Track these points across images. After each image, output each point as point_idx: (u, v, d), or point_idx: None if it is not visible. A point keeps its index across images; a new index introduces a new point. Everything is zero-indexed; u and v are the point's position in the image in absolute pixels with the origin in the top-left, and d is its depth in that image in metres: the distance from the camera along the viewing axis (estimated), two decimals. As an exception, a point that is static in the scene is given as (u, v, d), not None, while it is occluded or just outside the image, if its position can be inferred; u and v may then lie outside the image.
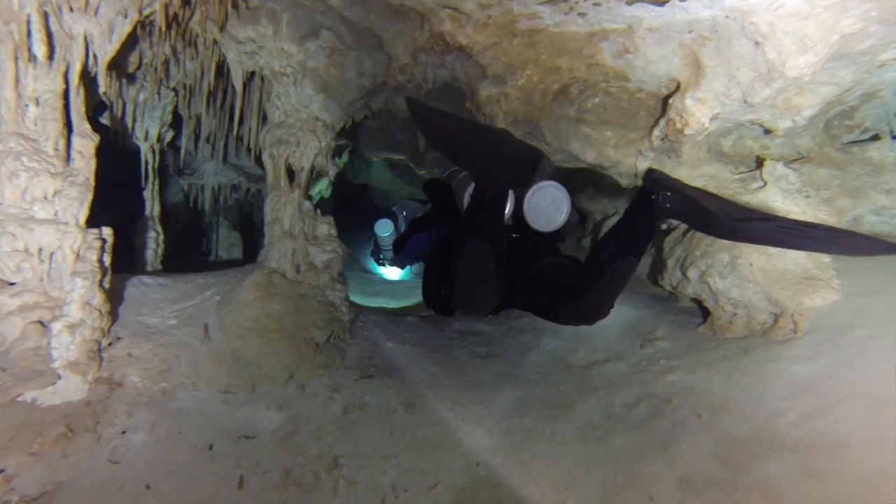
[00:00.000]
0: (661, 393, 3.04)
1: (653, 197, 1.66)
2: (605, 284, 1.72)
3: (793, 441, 2.37)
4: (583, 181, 4.75)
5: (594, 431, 3.00)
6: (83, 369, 2.73)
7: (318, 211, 4.43)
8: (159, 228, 5.13)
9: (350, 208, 10.53)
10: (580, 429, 3.05)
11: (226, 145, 5.44)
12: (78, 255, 2.84)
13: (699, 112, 2.77)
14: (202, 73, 4.14)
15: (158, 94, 4.34)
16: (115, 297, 3.38)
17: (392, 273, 9.70)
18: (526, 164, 1.72)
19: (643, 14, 2.68)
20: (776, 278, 2.99)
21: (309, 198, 4.43)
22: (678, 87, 2.91)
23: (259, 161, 4.84)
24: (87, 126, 2.95)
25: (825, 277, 2.91)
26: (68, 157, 2.87)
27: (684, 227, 3.63)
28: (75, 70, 2.81)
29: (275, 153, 4.09)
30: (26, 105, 2.67)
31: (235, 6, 3.52)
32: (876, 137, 3.23)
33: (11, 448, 2.34)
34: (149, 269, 5.04)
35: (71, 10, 2.74)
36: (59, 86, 2.75)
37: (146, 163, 4.80)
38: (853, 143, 3.31)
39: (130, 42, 3.44)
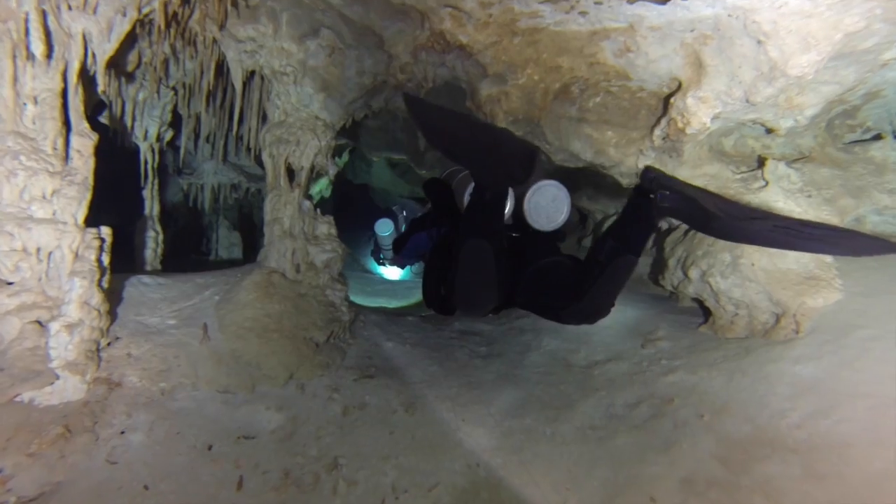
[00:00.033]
0: (662, 393, 3.03)
1: (651, 196, 1.65)
2: (605, 284, 1.71)
3: (795, 442, 2.36)
4: (583, 181, 4.73)
5: (595, 432, 2.99)
6: (81, 369, 2.71)
7: (318, 210, 4.42)
8: (159, 228, 5.11)
9: (350, 208, 10.52)
10: (581, 429, 3.04)
11: (225, 145, 5.43)
12: (76, 255, 2.82)
13: (701, 111, 2.76)
14: (202, 72, 4.13)
15: (158, 93, 4.33)
16: (113, 297, 3.37)
17: (392, 273, 9.69)
18: (523, 162, 1.70)
19: (645, 13, 2.66)
20: (778, 278, 2.97)
21: (309, 197, 4.42)
22: (680, 86, 2.90)
23: (259, 160, 4.83)
24: (86, 125, 2.94)
25: (827, 277, 2.89)
26: (67, 156, 2.85)
27: (685, 226, 3.61)
28: (74, 69, 2.79)
29: (274, 152, 4.08)
30: (24, 104, 2.66)
31: (235, 5, 3.51)
32: (878, 137, 3.22)
33: (9, 449, 2.32)
34: (148, 268, 5.03)
35: (69, 8, 2.72)
36: (58, 84, 2.73)
37: (145, 162, 4.78)
38: (855, 142, 3.30)
39: (129, 41, 3.44)
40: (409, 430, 3.24)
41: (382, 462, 2.94)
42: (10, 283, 2.72)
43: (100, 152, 3.02)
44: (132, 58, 3.77)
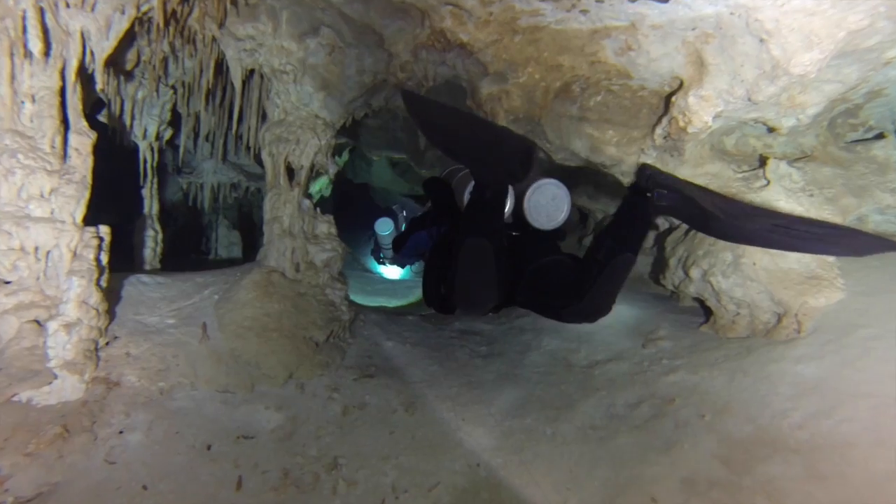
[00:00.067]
0: (663, 393, 3.02)
1: (648, 194, 1.63)
2: (605, 283, 1.71)
3: (797, 442, 2.35)
4: (584, 180, 4.72)
5: (596, 432, 2.97)
6: (80, 369, 2.70)
7: (318, 209, 4.40)
8: (158, 227, 5.10)
9: (350, 207, 10.51)
10: (582, 429, 3.03)
11: (225, 143, 5.41)
12: (75, 254, 2.81)
13: (702, 110, 2.74)
14: (201, 71, 4.11)
15: (157, 91, 4.31)
16: (112, 296, 3.35)
17: (392, 272, 9.68)
18: (522, 159, 1.69)
19: (646, 11, 2.65)
20: (780, 278, 2.96)
21: (309, 196, 4.40)
22: (681, 84, 2.88)
23: (258, 159, 4.82)
24: (84, 123, 2.92)
25: (829, 277, 2.88)
26: (65, 155, 2.84)
27: (686, 226, 3.60)
28: (72, 67, 2.78)
29: (274, 151, 4.06)
30: (22, 102, 2.64)
31: (234, 3, 3.50)
32: (880, 136, 3.20)
33: (6, 449, 2.31)
34: (147, 267, 5.01)
35: (67, 5, 2.71)
36: (56, 83, 2.72)
37: (145, 161, 4.76)
38: (857, 141, 3.28)
39: (128, 39, 3.41)
40: (409, 429, 3.23)
41: (382, 462, 2.93)
42: (7, 283, 2.71)
43: (99, 151, 3.01)
44: (131, 56, 3.75)
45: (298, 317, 3.79)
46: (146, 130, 4.61)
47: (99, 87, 3.15)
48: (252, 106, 4.43)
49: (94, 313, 2.84)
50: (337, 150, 6.95)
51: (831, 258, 2.95)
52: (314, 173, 4.42)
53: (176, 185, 6.55)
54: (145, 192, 4.96)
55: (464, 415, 3.37)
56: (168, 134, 4.80)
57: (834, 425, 2.33)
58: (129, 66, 3.84)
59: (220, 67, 4.14)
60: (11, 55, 2.54)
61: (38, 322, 2.71)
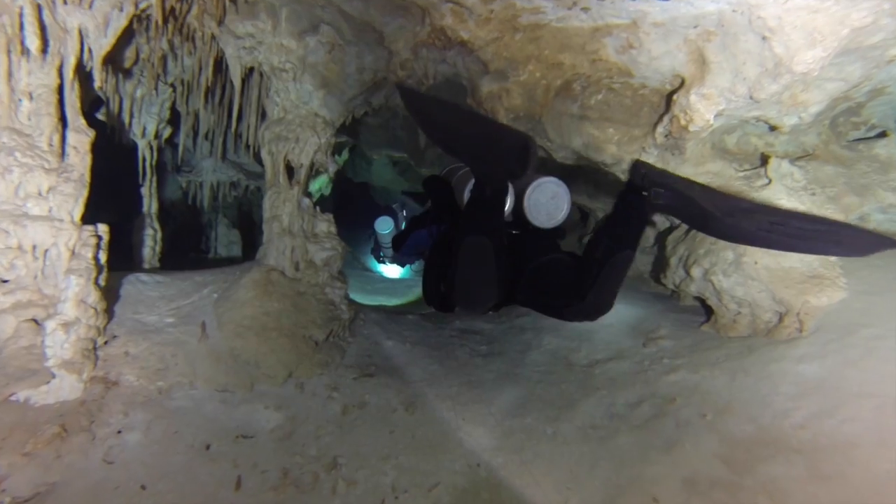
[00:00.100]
0: (664, 392, 3.00)
1: (644, 193, 1.61)
2: (605, 282, 1.71)
3: (799, 442, 2.33)
4: (584, 178, 4.70)
5: (596, 431, 2.96)
6: (78, 368, 2.69)
7: (318, 208, 4.39)
8: (157, 226, 5.08)
9: (350, 206, 10.49)
10: (582, 429, 3.02)
11: (224, 142, 5.40)
12: (73, 253, 2.79)
13: (704, 108, 2.73)
14: (200, 69, 4.10)
15: (156, 89, 4.30)
16: (111, 295, 3.34)
17: (392, 271, 9.67)
18: (519, 155, 1.67)
19: (648, 9, 2.63)
20: (781, 277, 2.95)
21: (308, 195, 4.38)
22: (682, 83, 2.87)
23: (258, 158, 4.80)
24: (83, 121, 2.91)
25: (831, 276, 2.87)
26: (63, 153, 2.83)
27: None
28: (70, 64, 2.76)
29: (274, 150, 4.04)
30: (19, 100, 2.63)
31: (234, 0, 3.48)
32: (883, 134, 3.19)
33: (4, 448, 2.30)
34: (146, 266, 5.00)
35: (65, 2, 2.69)
36: (54, 80, 2.70)
37: (144, 159, 4.75)
38: (860, 140, 3.27)
39: (126, 36, 3.39)
40: (409, 429, 3.22)
41: (382, 462, 2.91)
42: (5, 281, 2.69)
43: (97, 149, 2.99)
44: (129, 54, 3.73)
45: (298, 316, 3.78)
46: (145, 128, 4.59)
47: (97, 84, 3.14)
48: (251, 104, 4.42)
49: (93, 312, 2.83)
50: (337, 149, 6.93)
51: (833, 257, 2.94)
52: (314, 172, 4.40)
53: (175, 184, 6.54)
54: (144, 190, 4.95)
55: (464, 414, 3.35)
56: (167, 132, 4.79)
57: (836, 425, 2.31)
58: (127, 64, 3.83)
59: (220, 65, 4.13)
60: (9, 52, 2.53)
61: (35, 321, 2.70)
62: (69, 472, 2.36)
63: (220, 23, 3.57)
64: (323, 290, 4.17)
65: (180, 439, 2.75)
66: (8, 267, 2.66)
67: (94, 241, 2.87)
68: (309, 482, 2.71)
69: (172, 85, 4.39)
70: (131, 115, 4.35)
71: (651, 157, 3.26)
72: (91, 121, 3.07)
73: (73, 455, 2.43)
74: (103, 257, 2.98)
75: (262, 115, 4.40)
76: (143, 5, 3.04)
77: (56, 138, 2.76)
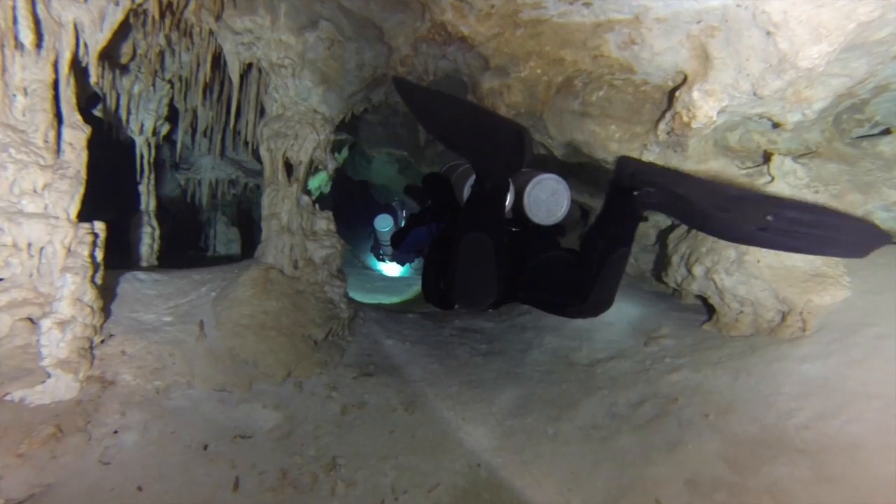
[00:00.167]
0: (666, 392, 2.98)
1: (635, 193, 1.58)
2: (605, 282, 1.70)
3: (803, 443, 2.31)
4: (585, 176, 4.67)
5: (598, 431, 2.94)
6: (74, 367, 2.66)
7: (317, 206, 4.35)
8: (155, 223, 5.05)
9: (350, 203, 10.46)
10: (584, 429, 2.99)
11: (223, 139, 5.36)
12: (69, 250, 2.76)
13: (707, 105, 2.70)
14: (198, 65, 4.06)
15: (153, 85, 4.26)
16: (108, 294, 3.31)
17: (392, 269, 9.65)
18: (514, 144, 1.65)
19: (650, 3, 2.60)
20: (784, 275, 2.92)
21: (307, 192, 4.35)
22: (685, 79, 2.84)
23: (257, 155, 4.76)
24: (79, 117, 2.88)
25: (835, 274, 2.84)
26: (58, 149, 2.79)
27: (688, 223, 3.56)
28: (65, 59, 2.73)
29: (272, 147, 4.01)
30: (14, 95, 2.59)
31: (231, -5, 3.44)
32: (887, 132, 3.16)
33: (-2, 449, 2.27)
34: (144, 264, 4.96)
35: (60, -4, 2.66)
36: (49, 75, 2.67)
37: (141, 157, 4.71)
38: (863, 137, 3.24)
39: (123, 31, 3.35)
40: (408, 429, 3.19)
41: (382, 462, 2.89)
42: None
43: (95, 146, 2.96)
44: (126, 49, 3.69)
45: (297, 314, 3.75)
46: (143, 125, 4.55)
47: (93, 80, 3.10)
48: (250, 101, 4.38)
49: (89, 311, 2.80)
50: (336, 147, 6.89)
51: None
52: (313, 169, 4.37)
53: (174, 181, 6.50)
54: (142, 187, 4.91)
55: (464, 414, 3.33)
56: (165, 129, 4.75)
57: (841, 426, 2.29)
58: (124, 60, 3.79)
59: (218, 61, 4.09)
60: (2, 47, 2.49)
61: (31, 320, 2.67)
62: (64, 473, 2.33)
63: (218, 18, 3.53)
64: (322, 288, 4.14)
65: (178, 439, 2.72)
66: (2, 265, 2.63)
67: (90, 238, 2.84)
68: (308, 483, 2.68)
69: (170, 81, 4.35)
70: (129, 112, 4.31)
71: (653, 155, 3.23)
72: (88, 117, 3.03)
73: (69, 456, 2.40)
74: (100, 255, 2.95)
75: (261, 111, 4.37)
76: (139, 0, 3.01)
77: (51, 134, 2.73)
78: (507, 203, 2.00)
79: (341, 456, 2.89)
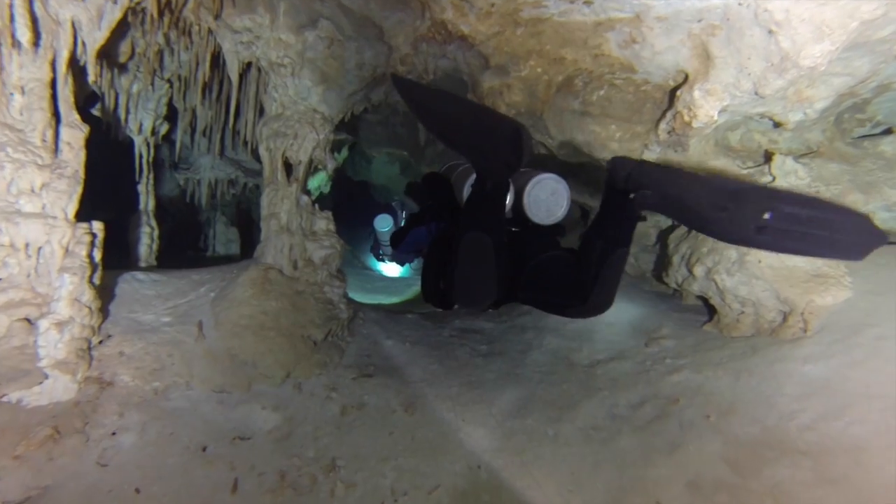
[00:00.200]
0: (667, 393, 2.97)
1: (631, 196, 1.56)
2: (604, 282, 1.69)
3: (805, 444, 2.30)
4: (585, 176, 4.66)
5: (598, 432, 2.92)
6: (72, 368, 2.64)
7: (317, 206, 4.34)
8: (154, 223, 5.03)
9: (350, 204, 10.44)
10: (584, 430, 2.98)
11: (222, 139, 5.34)
12: (67, 250, 2.75)
13: (708, 104, 2.68)
14: (197, 64, 4.04)
15: (152, 85, 4.24)
16: (106, 294, 3.29)
17: (391, 270, 9.63)
18: (512, 143, 1.63)
19: (651, 2, 2.59)
20: (785, 276, 2.91)
21: (307, 192, 4.33)
22: (686, 78, 2.82)
23: (256, 155, 4.75)
24: (76, 116, 2.86)
25: (836, 275, 2.83)
26: (56, 149, 2.78)
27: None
28: (63, 58, 2.71)
29: (272, 146, 3.99)
30: (11, 94, 2.58)
31: (230, -6, 3.43)
32: (889, 131, 3.15)
33: (-5, 450, 2.26)
34: (143, 265, 4.94)
35: (57, -6, 2.64)
36: (46, 74, 2.65)
37: (140, 156, 4.69)
38: (865, 137, 3.23)
39: (121, 30, 3.34)
40: (408, 430, 3.17)
41: (381, 463, 2.87)
42: (-3, 280, 2.65)
43: (93, 145, 2.94)
44: (125, 48, 3.67)
45: (296, 315, 3.73)
46: (141, 125, 4.53)
47: (91, 79, 3.09)
48: (249, 100, 4.36)
49: (87, 311, 2.78)
50: (336, 147, 6.87)
51: (838, 256, 2.90)
52: (312, 169, 4.35)
53: (173, 181, 6.48)
54: (141, 187, 4.89)
55: (464, 415, 3.31)
56: (164, 129, 4.74)
57: (843, 427, 2.28)
58: (122, 59, 3.77)
59: (217, 60, 4.07)
60: (-1, 45, 2.48)
61: (28, 320, 2.65)
62: (62, 475, 2.32)
63: (217, 17, 3.51)
64: (321, 288, 4.13)
65: (176, 441, 2.70)
66: (0, 265, 2.61)
67: (88, 238, 2.83)
68: (307, 484, 2.67)
69: (169, 80, 4.33)
70: (127, 111, 4.29)
71: (653, 154, 3.22)
72: (86, 116, 3.02)
73: (66, 457, 2.39)
74: (98, 255, 2.93)
75: (261, 111, 4.35)
76: (137, -2, 2.99)
77: (49, 134, 2.71)
78: (507, 203, 1.99)
79: (341, 457, 2.88)
